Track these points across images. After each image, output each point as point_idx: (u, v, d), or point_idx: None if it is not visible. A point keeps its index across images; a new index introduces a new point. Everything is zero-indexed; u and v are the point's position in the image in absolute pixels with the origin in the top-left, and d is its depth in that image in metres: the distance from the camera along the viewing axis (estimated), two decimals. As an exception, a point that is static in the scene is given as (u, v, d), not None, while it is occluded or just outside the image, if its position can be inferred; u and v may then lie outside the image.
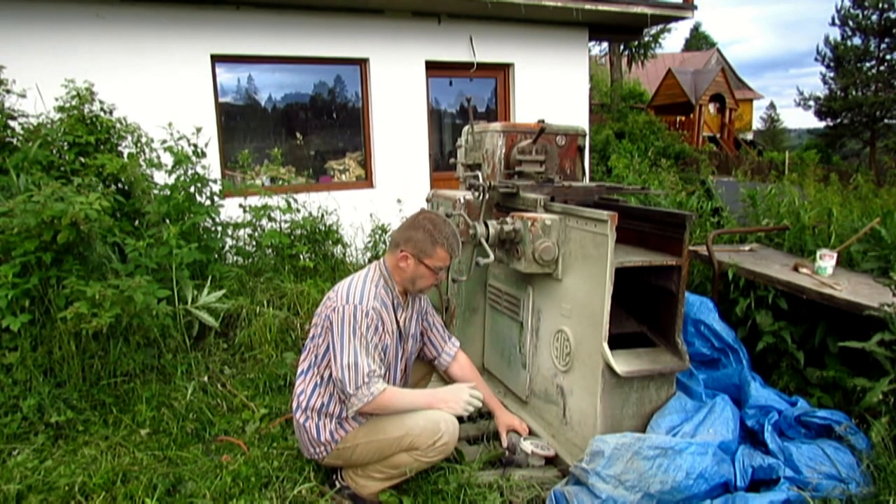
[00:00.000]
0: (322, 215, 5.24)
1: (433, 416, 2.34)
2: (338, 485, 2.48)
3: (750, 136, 32.14)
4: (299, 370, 2.48)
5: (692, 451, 2.23)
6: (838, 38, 27.57)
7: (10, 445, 2.88)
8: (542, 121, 3.22)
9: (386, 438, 2.33)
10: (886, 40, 26.28)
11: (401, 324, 2.48)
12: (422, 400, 2.38)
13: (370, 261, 5.21)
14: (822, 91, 28.55)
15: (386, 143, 7.38)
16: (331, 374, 2.33)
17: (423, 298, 2.67)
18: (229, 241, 4.82)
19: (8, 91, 4.21)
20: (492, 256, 2.75)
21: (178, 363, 3.57)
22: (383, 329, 2.37)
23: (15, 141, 4.09)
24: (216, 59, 6.54)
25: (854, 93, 26.94)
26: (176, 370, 3.53)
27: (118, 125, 4.35)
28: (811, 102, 28.42)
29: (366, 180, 7.46)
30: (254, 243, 4.89)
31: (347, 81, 7.49)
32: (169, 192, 4.18)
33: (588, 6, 7.42)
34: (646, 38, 21.85)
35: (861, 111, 26.38)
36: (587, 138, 4.27)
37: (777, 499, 2.17)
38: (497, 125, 3.34)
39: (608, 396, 2.50)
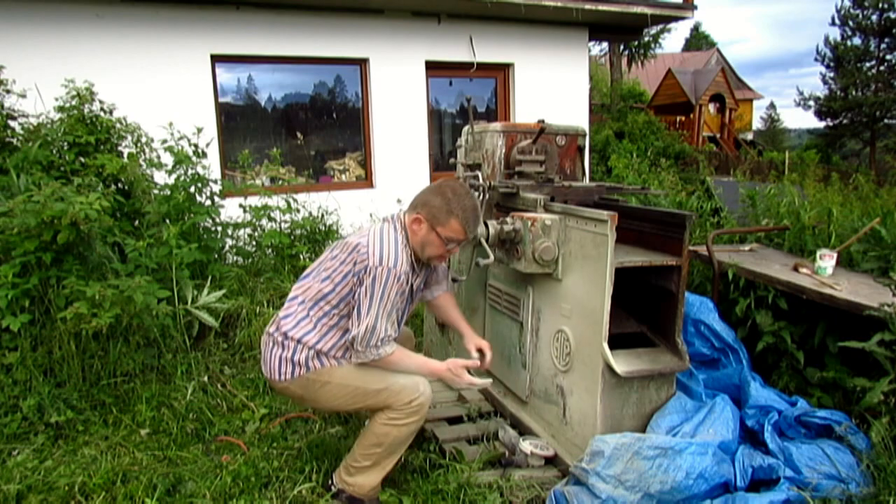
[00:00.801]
0: (322, 215, 5.25)
1: (415, 377, 2.35)
2: (333, 489, 2.47)
3: (750, 136, 32.14)
4: (295, 296, 2.40)
5: (692, 451, 2.24)
6: (838, 38, 27.59)
7: (10, 445, 2.88)
8: (542, 121, 3.21)
9: (363, 388, 2.31)
10: (886, 40, 26.28)
11: (414, 286, 2.45)
12: (427, 368, 2.39)
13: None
14: (822, 91, 28.60)
15: (386, 143, 7.38)
16: (336, 319, 2.31)
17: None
18: (229, 241, 4.82)
19: (8, 91, 4.21)
20: (492, 257, 2.75)
21: (178, 363, 3.58)
22: (407, 289, 2.35)
23: (15, 141, 4.09)
24: (216, 59, 6.54)
25: (854, 93, 26.94)
26: (176, 370, 3.53)
27: (118, 125, 4.35)
28: (811, 102, 28.44)
29: (366, 180, 7.46)
30: (254, 243, 4.89)
31: (347, 81, 7.49)
32: (169, 192, 4.18)
33: (588, 6, 7.42)
34: (646, 38, 21.83)
35: (861, 111, 26.38)
36: (587, 138, 4.27)
37: (777, 499, 2.17)
38: (497, 125, 3.34)
39: (608, 396, 2.50)
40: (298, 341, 2.32)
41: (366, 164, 7.47)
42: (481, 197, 3.15)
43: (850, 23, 26.91)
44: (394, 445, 2.37)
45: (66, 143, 4.12)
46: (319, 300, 2.33)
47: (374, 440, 2.35)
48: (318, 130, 7.54)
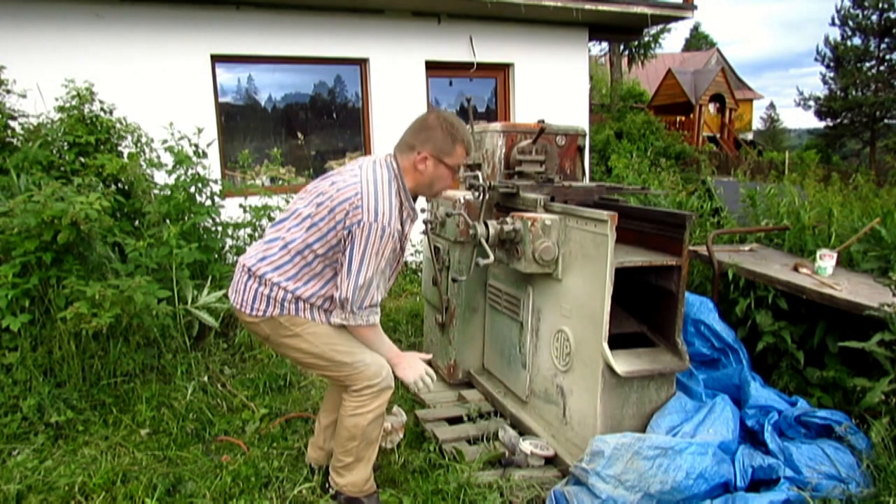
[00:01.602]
0: (322, 215, 5.23)
1: (384, 363, 2.32)
2: (331, 491, 2.46)
3: (750, 136, 32.14)
4: (276, 238, 2.26)
5: (692, 451, 2.24)
6: (838, 38, 27.61)
7: (10, 445, 2.88)
8: (542, 121, 3.22)
9: (329, 355, 2.26)
10: (886, 40, 26.29)
11: (406, 231, 2.34)
12: (389, 353, 2.35)
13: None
14: (822, 91, 28.62)
15: (386, 143, 7.38)
16: (320, 268, 2.21)
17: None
18: (229, 241, 4.82)
19: (8, 91, 4.21)
20: (492, 256, 2.75)
21: (178, 363, 3.58)
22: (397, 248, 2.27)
23: (15, 141, 4.10)
24: (216, 59, 6.54)
25: (854, 93, 26.95)
26: (176, 370, 3.53)
27: (118, 125, 4.35)
28: (811, 102, 28.45)
29: (366, 180, 7.43)
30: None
31: (347, 81, 7.49)
32: (169, 192, 4.18)
33: (588, 6, 7.41)
34: (646, 38, 21.84)
35: (861, 111, 26.39)
36: (587, 138, 4.27)
37: (777, 499, 2.17)
38: (497, 125, 3.35)
39: (608, 396, 2.50)
40: (277, 284, 2.22)
41: (366, 164, 7.46)
42: (481, 197, 3.16)
43: (850, 23, 26.92)
44: (367, 435, 2.34)
45: (66, 143, 4.12)
46: (303, 249, 2.19)
47: (347, 434, 2.33)
48: (319, 130, 7.54)
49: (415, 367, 2.35)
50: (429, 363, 2.47)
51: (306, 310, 2.25)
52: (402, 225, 2.24)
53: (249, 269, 2.25)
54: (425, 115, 2.31)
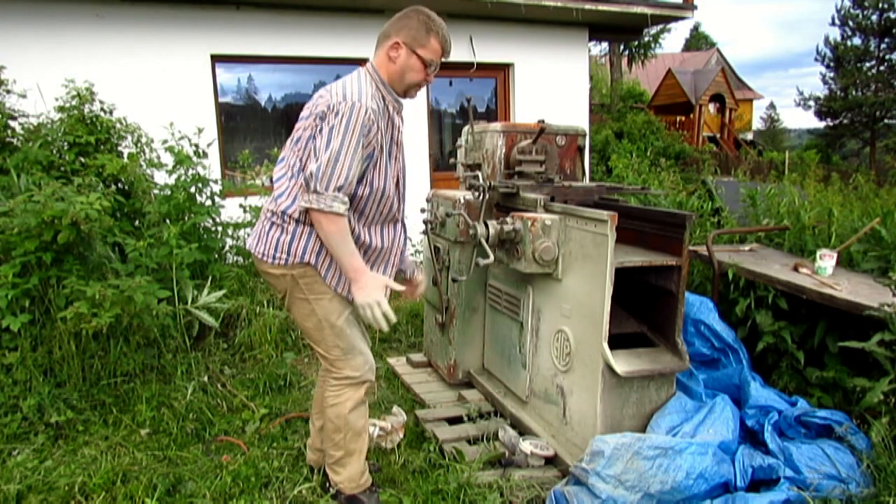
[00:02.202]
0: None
1: (370, 359, 2.32)
2: (332, 490, 2.46)
3: (750, 136, 32.13)
4: (281, 175, 2.23)
5: (692, 451, 2.24)
6: (838, 38, 27.60)
7: (10, 445, 2.88)
8: (542, 121, 3.22)
9: (331, 328, 2.23)
10: (886, 40, 26.29)
11: (398, 126, 2.28)
12: (351, 262, 2.11)
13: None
14: (822, 91, 28.61)
15: (386, 143, 7.37)
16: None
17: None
18: (229, 241, 4.82)
19: (8, 91, 4.22)
20: (492, 257, 2.75)
21: (178, 363, 3.58)
22: (377, 133, 2.13)
23: (15, 141, 4.10)
24: (216, 59, 6.54)
25: (854, 93, 26.95)
26: (176, 370, 3.53)
27: (118, 125, 4.35)
28: (811, 102, 28.45)
29: (366, 180, 7.44)
30: (254, 243, 4.89)
31: (347, 81, 7.48)
32: (169, 192, 4.18)
33: (588, 6, 7.41)
34: (646, 38, 21.82)
35: (861, 111, 26.39)
36: (587, 138, 4.27)
37: (777, 499, 2.17)
38: (497, 125, 3.35)
39: (608, 396, 2.50)
40: (297, 221, 2.17)
41: (366, 164, 7.46)
42: (481, 197, 3.16)
43: (850, 23, 26.92)
44: (351, 425, 2.31)
45: (66, 143, 4.12)
46: (299, 169, 2.16)
47: (332, 427, 2.33)
48: (318, 130, 7.54)
49: (371, 291, 2.11)
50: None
51: (323, 264, 2.19)
52: (389, 115, 2.22)
53: (272, 218, 2.22)
54: (406, 10, 2.26)
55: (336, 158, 2.03)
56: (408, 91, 2.28)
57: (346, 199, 2.08)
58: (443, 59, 2.26)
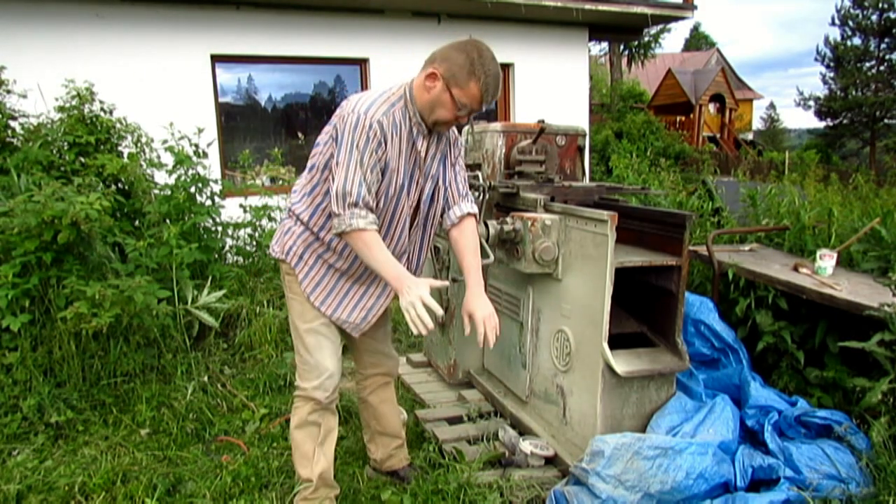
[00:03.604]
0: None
1: (328, 377, 2.21)
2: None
3: (750, 136, 32.15)
4: (302, 176, 2.26)
5: (692, 451, 2.24)
6: (838, 38, 27.62)
7: (10, 445, 2.88)
8: (542, 121, 3.22)
9: (296, 331, 2.25)
10: (886, 40, 26.31)
11: (419, 150, 2.13)
12: (387, 273, 2.00)
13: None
14: (822, 91, 28.62)
15: (386, 143, 7.37)
16: (310, 187, 2.15)
17: (453, 143, 2.29)
18: (229, 241, 4.82)
19: (9, 91, 4.21)
20: (492, 257, 2.75)
21: (178, 363, 3.58)
22: (387, 148, 2.04)
23: (16, 141, 4.10)
24: (216, 59, 6.54)
25: (854, 93, 26.96)
26: (176, 370, 3.53)
27: (118, 125, 4.35)
28: (811, 102, 28.47)
29: (366, 180, 7.44)
30: (254, 243, 4.90)
31: (347, 81, 7.50)
32: (169, 192, 4.19)
33: (588, 6, 7.42)
34: (646, 38, 21.86)
35: (861, 111, 26.41)
36: (587, 138, 4.28)
37: (777, 499, 2.17)
38: (497, 125, 3.35)
39: (608, 396, 2.50)
40: (294, 219, 2.20)
41: (366, 164, 7.46)
42: (481, 197, 3.16)
43: (850, 23, 26.93)
44: (298, 444, 2.28)
45: (66, 143, 4.12)
46: (311, 168, 2.16)
47: (296, 440, 2.30)
48: (319, 130, 7.49)
49: (412, 291, 1.94)
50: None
51: (301, 270, 2.19)
52: (411, 136, 2.09)
53: (288, 210, 2.27)
54: (467, 40, 2.09)
55: (345, 180, 1.98)
56: (435, 125, 2.12)
57: (367, 211, 2.00)
58: (484, 107, 2.08)
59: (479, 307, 2.12)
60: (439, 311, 1.97)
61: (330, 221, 2.07)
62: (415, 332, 1.95)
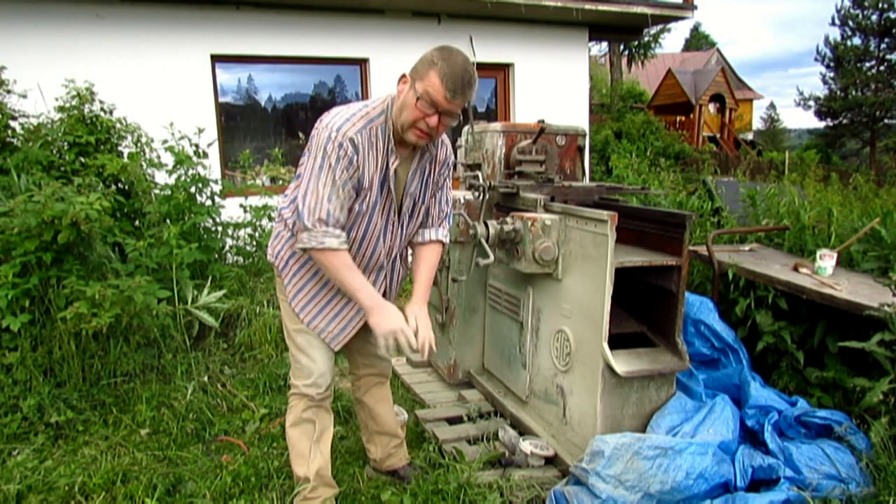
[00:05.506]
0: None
1: (319, 375, 2.22)
2: None
3: (750, 136, 32.13)
4: (288, 187, 2.26)
5: (692, 451, 2.24)
6: (838, 38, 27.61)
7: (10, 445, 2.88)
8: (542, 121, 3.22)
9: (287, 332, 2.27)
10: (886, 40, 26.30)
11: (391, 169, 2.05)
12: (360, 298, 2.01)
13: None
14: (822, 91, 28.62)
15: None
16: (292, 199, 2.11)
17: (442, 163, 2.24)
18: (230, 241, 4.82)
19: (9, 91, 4.22)
20: (492, 257, 2.75)
21: (178, 363, 3.58)
22: (360, 166, 1.99)
23: (16, 141, 4.10)
24: (216, 59, 6.54)
25: (854, 93, 26.96)
26: (176, 370, 3.53)
27: (118, 125, 4.36)
28: (811, 102, 28.46)
29: (366, 180, 7.45)
30: (254, 243, 4.90)
31: (347, 81, 7.49)
32: (169, 192, 4.19)
33: (588, 6, 7.42)
34: (646, 38, 21.84)
35: (861, 111, 26.41)
36: (587, 138, 4.28)
37: (777, 499, 2.17)
38: (497, 125, 3.35)
39: (608, 396, 2.50)
40: (283, 223, 2.21)
41: (366, 164, 7.46)
42: (481, 197, 3.16)
43: (850, 23, 26.93)
44: (293, 443, 2.29)
45: (66, 143, 4.12)
46: (299, 176, 2.11)
47: (292, 439, 2.31)
48: (318, 130, 7.54)
49: (388, 321, 1.98)
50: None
51: (287, 275, 2.21)
52: (383, 155, 2.02)
53: (278, 213, 2.29)
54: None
55: (315, 196, 1.94)
56: (405, 132, 2.00)
57: (340, 231, 1.98)
58: (451, 104, 1.95)
59: (422, 319, 2.12)
60: (415, 346, 2.02)
61: (297, 233, 2.02)
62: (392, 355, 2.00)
